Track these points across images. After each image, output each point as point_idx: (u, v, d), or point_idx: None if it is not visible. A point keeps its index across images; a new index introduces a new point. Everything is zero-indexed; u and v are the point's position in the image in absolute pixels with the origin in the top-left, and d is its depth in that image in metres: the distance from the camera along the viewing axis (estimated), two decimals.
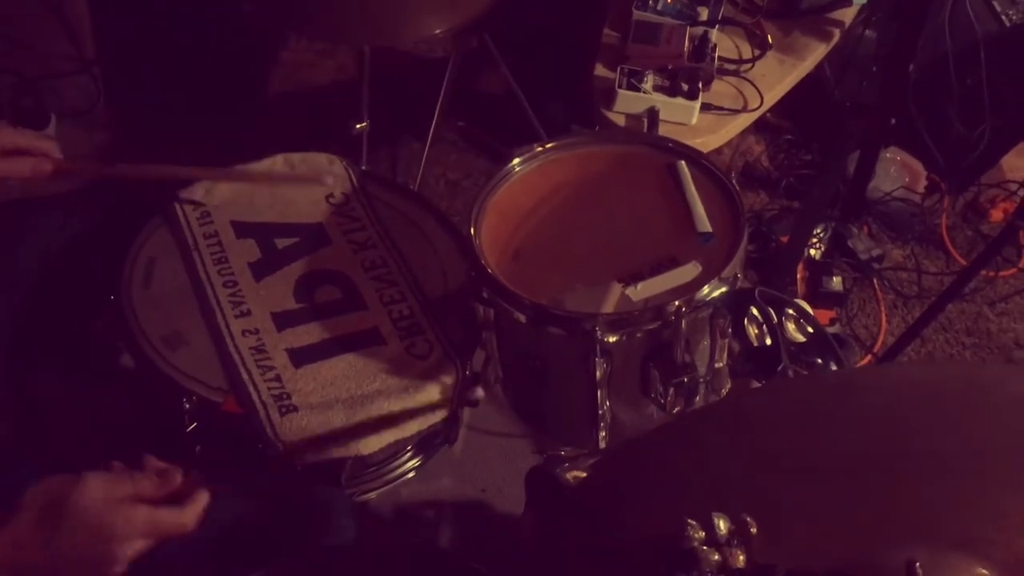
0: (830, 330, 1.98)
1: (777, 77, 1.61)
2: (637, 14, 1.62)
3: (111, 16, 2.28)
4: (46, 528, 0.82)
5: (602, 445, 1.18)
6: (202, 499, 0.90)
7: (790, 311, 1.03)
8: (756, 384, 1.07)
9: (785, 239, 2.11)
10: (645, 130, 1.48)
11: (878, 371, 1.12)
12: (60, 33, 2.27)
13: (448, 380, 1.17)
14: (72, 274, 1.22)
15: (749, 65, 1.61)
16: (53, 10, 2.21)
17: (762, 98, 1.57)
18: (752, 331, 1.04)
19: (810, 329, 1.03)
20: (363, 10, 1.31)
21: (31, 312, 1.20)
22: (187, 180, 1.31)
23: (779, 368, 1.00)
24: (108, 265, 1.18)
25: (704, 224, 1.16)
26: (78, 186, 1.32)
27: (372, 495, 1.31)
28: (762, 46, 1.65)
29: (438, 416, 1.17)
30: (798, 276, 2.08)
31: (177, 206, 1.29)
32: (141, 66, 2.37)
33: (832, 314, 2.04)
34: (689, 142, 1.41)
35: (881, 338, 2.03)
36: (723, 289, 1.08)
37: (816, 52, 1.68)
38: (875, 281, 2.13)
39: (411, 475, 1.32)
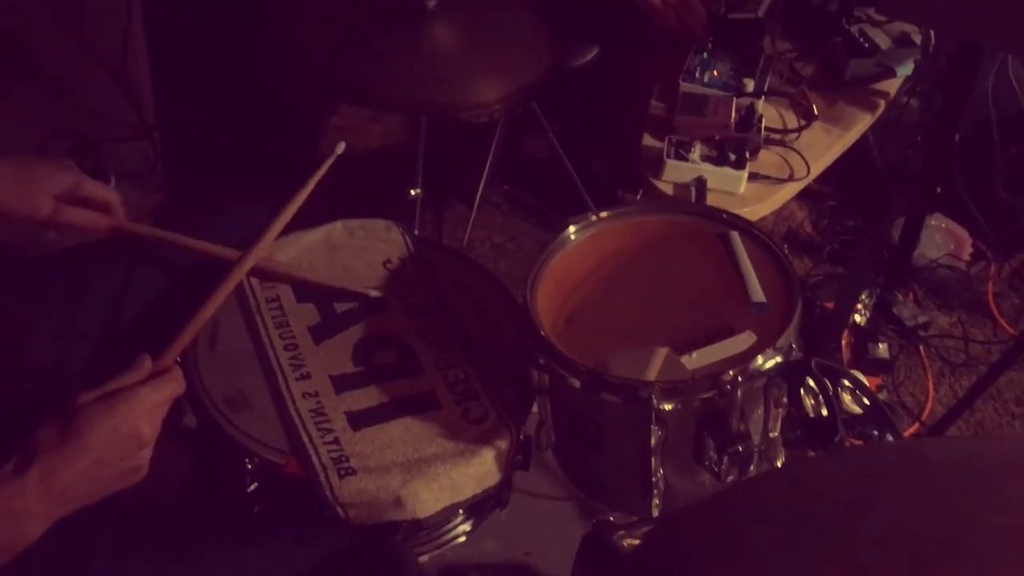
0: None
1: (823, 147, 1.64)
2: (684, 86, 1.65)
3: (172, 83, 2.37)
4: (74, 459, 0.89)
5: (655, 512, 1.18)
6: (174, 366, 1.01)
7: (846, 382, 1.04)
8: (812, 454, 1.07)
9: (830, 305, 2.11)
10: (693, 199, 1.51)
11: (938, 443, 1.11)
12: (123, 99, 2.36)
13: (503, 445, 1.18)
14: (139, 331, 1.26)
15: (795, 135, 1.64)
16: (117, 77, 2.30)
17: (808, 168, 1.59)
18: (808, 401, 1.05)
19: (866, 401, 1.04)
20: (421, 83, 1.36)
21: (97, 365, 1.23)
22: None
23: (836, 439, 1.00)
24: (174, 325, 1.21)
25: (758, 294, 1.18)
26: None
27: (424, 558, 1.32)
28: (808, 116, 1.68)
29: (492, 480, 1.19)
30: (843, 342, 2.08)
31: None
32: (197, 132, 2.45)
33: (879, 381, 2.04)
34: (737, 211, 1.44)
35: (929, 406, 2.02)
36: (777, 359, 1.09)
37: (862, 122, 1.70)
38: (921, 348, 2.12)
39: (462, 539, 1.33)
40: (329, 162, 1.32)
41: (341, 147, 1.32)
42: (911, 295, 2.22)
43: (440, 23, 1.38)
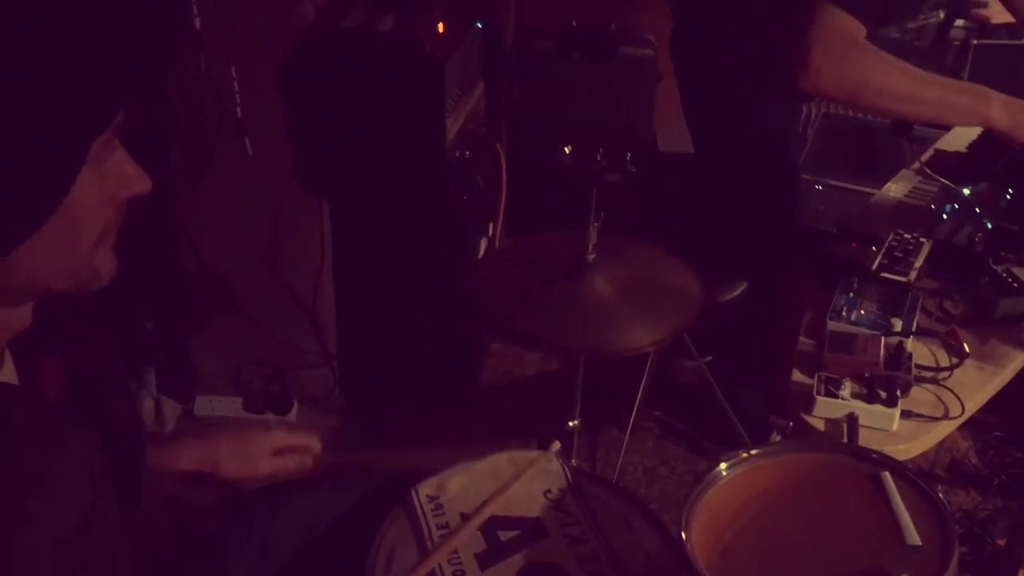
0: None
1: (977, 385, 1.65)
2: (832, 324, 1.72)
3: (353, 320, 2.63)
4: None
5: None
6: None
7: None
8: None
9: (1002, 542, 2.03)
10: (845, 435, 1.54)
11: None
12: (309, 332, 2.63)
13: None
14: (324, 558, 1.39)
15: (947, 373, 1.66)
16: (307, 313, 2.59)
17: (963, 406, 1.60)
18: None
19: None
20: (581, 329, 1.50)
21: None
22: (424, 473, 1.48)
23: None
24: (355, 552, 1.33)
25: (913, 537, 1.19)
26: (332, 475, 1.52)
27: None
28: (959, 354, 1.70)
29: None
30: None
31: (415, 498, 1.44)
32: (371, 361, 2.68)
33: None
34: (890, 448, 1.46)
35: None
36: None
37: (1016, 360, 1.71)
38: None
39: None
40: (535, 456, 1.47)
41: (556, 446, 1.48)
42: None
43: (598, 273, 1.53)
